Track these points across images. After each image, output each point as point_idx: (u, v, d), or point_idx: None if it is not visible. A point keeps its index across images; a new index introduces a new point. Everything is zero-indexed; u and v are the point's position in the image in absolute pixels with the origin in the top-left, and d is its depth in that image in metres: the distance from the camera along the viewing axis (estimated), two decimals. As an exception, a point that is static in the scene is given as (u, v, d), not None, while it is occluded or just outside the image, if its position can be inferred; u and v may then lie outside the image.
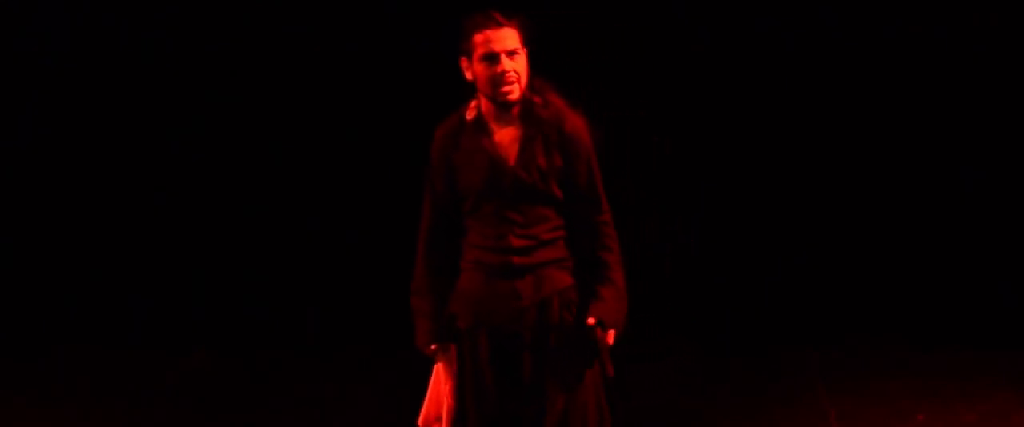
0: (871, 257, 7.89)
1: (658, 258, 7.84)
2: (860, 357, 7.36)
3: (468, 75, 4.43)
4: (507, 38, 4.36)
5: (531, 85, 4.44)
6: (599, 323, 4.36)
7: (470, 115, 4.49)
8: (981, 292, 7.78)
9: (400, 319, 7.76)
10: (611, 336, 4.39)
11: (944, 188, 7.83)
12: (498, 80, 4.36)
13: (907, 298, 7.82)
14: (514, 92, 4.39)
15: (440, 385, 4.54)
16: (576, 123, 4.48)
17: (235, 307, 7.89)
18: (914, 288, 7.83)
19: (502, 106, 4.42)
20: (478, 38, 4.36)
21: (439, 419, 4.56)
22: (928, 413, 6.43)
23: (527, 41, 4.40)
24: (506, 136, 4.46)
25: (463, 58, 4.42)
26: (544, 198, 4.44)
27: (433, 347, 4.50)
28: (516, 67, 4.37)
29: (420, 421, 4.60)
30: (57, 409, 6.70)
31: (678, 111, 7.83)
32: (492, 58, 4.35)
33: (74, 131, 7.96)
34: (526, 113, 4.45)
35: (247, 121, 7.93)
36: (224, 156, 7.95)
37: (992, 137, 7.80)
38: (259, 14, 7.86)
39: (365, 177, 7.92)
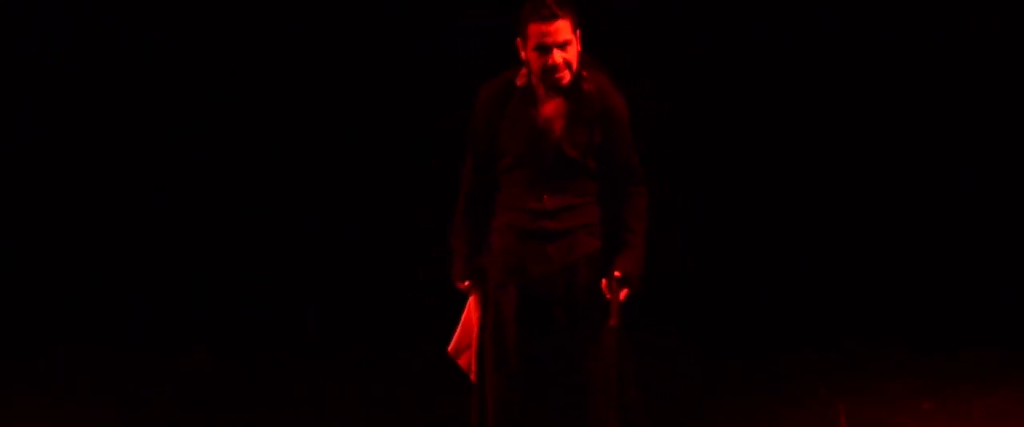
0: (870, 259, 7.89)
1: (656, 260, 7.84)
2: (859, 360, 7.37)
3: (522, 56, 4.69)
4: (560, 30, 4.60)
5: (580, 65, 4.68)
6: (624, 277, 4.64)
7: (520, 82, 4.73)
8: (981, 294, 7.79)
9: (400, 319, 7.84)
10: (624, 293, 4.66)
11: (943, 190, 7.84)
12: (549, 70, 4.62)
13: (906, 301, 7.83)
14: (564, 79, 4.65)
15: (471, 319, 4.87)
16: (618, 102, 4.75)
17: (235, 307, 7.89)
18: (913, 291, 7.83)
19: (551, 89, 4.68)
20: (532, 29, 4.61)
21: (469, 347, 4.89)
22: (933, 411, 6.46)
23: (578, 24, 4.64)
24: (552, 109, 4.71)
25: (519, 40, 4.67)
26: (582, 170, 4.71)
27: (465, 283, 4.82)
28: (567, 57, 4.62)
29: (450, 348, 4.93)
30: (57, 409, 6.69)
31: (676, 114, 7.83)
32: (544, 49, 4.60)
33: (74, 131, 7.95)
34: (573, 89, 4.69)
35: (247, 121, 7.93)
36: (224, 156, 7.94)
37: (991, 139, 7.81)
38: (259, 14, 7.86)
39: (365, 177, 7.92)
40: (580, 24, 4.66)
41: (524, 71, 4.72)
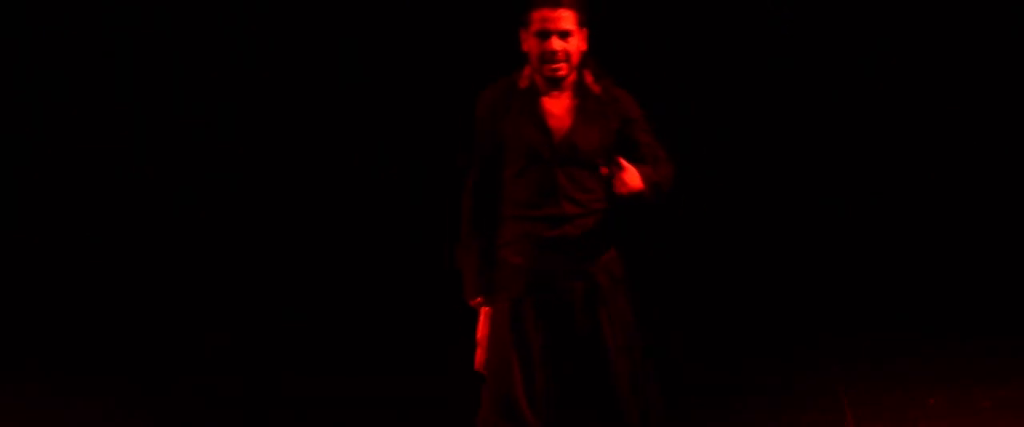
0: (873, 256, 7.91)
1: (658, 258, 7.85)
2: (863, 355, 7.38)
3: (524, 47, 4.57)
4: (562, 19, 4.50)
5: (583, 64, 4.56)
6: (615, 163, 4.46)
7: (523, 83, 4.61)
8: (987, 288, 7.81)
9: (400, 319, 7.86)
10: (638, 178, 4.47)
11: (950, 183, 7.85)
12: (546, 58, 4.50)
13: (910, 297, 7.84)
14: (561, 71, 4.52)
15: (486, 334, 4.71)
16: (625, 95, 4.62)
17: (236, 307, 7.91)
18: (917, 287, 7.85)
19: (549, 81, 4.55)
20: (535, 15, 4.51)
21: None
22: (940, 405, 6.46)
23: (584, 22, 4.53)
24: (560, 106, 4.58)
25: (521, 30, 4.55)
26: (593, 167, 4.56)
27: (478, 300, 4.66)
28: (566, 47, 4.51)
29: (477, 366, 4.75)
30: (58, 409, 6.70)
31: (677, 112, 7.84)
32: (544, 35, 4.49)
33: (74, 131, 7.97)
34: (578, 87, 4.58)
35: (247, 121, 7.94)
36: (224, 156, 7.95)
37: (996, 135, 7.83)
38: (259, 14, 7.88)
39: (365, 177, 7.94)
40: (587, 24, 4.54)
41: (526, 72, 4.59)
